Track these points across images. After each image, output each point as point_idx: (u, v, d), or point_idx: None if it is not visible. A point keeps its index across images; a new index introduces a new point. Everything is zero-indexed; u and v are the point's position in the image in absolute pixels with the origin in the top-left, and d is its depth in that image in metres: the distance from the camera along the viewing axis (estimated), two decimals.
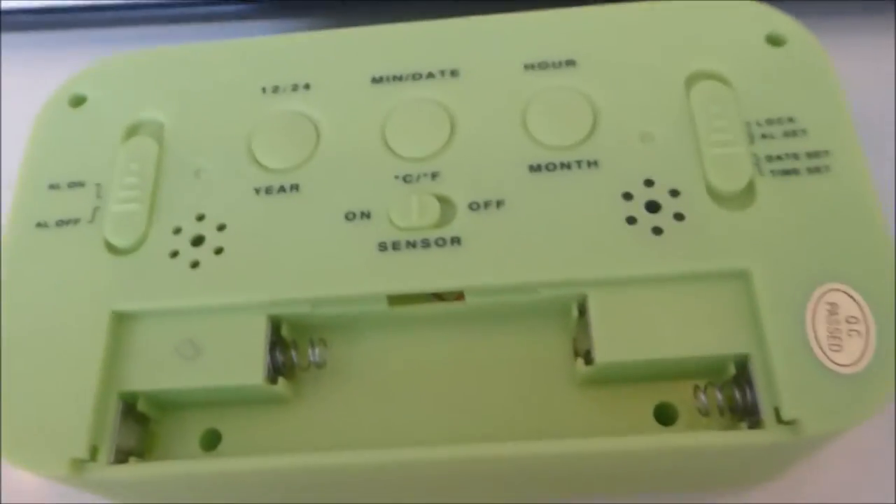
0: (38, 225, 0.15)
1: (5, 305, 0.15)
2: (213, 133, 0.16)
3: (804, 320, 0.13)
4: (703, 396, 0.14)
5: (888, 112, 0.20)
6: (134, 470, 0.14)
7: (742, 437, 0.13)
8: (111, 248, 0.15)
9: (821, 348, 0.13)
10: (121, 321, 0.15)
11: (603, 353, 0.14)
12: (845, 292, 0.13)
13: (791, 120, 0.15)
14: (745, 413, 0.14)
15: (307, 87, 0.16)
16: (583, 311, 0.14)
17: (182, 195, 0.16)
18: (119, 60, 0.17)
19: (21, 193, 0.16)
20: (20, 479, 0.18)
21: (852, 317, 0.13)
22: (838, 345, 0.13)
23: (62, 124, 0.17)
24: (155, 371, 0.14)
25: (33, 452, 0.14)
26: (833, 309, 0.13)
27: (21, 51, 0.24)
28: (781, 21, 0.16)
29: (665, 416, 0.14)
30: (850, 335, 0.13)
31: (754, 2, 0.16)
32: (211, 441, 0.15)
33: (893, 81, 0.22)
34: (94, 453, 0.14)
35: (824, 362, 0.13)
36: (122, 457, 0.14)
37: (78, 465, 0.13)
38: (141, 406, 0.15)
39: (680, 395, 0.14)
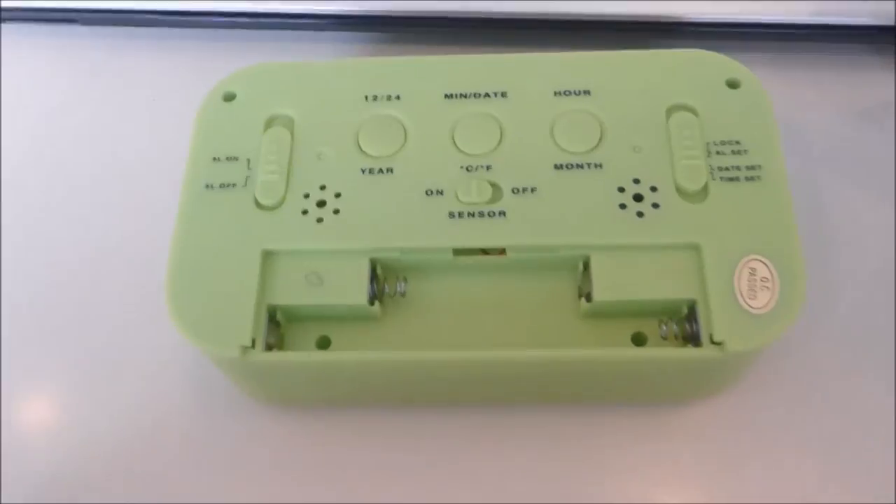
0: (207, 186, 0.22)
1: (190, 245, 0.21)
2: (330, 127, 0.22)
3: (733, 278, 0.20)
4: (664, 327, 0.21)
5: (794, 133, 0.27)
6: (278, 356, 0.20)
7: (687, 352, 0.20)
8: (259, 206, 0.21)
9: (742, 297, 0.20)
10: (268, 257, 0.21)
11: (599, 295, 0.20)
12: (762, 261, 0.20)
13: (738, 143, 0.22)
14: (691, 339, 0.20)
15: (398, 98, 0.23)
16: (587, 266, 0.21)
17: (309, 171, 0.22)
18: (259, 69, 0.23)
19: (192, 163, 0.22)
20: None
21: (765, 278, 0.20)
22: (754, 295, 0.20)
23: (218, 114, 0.23)
24: (292, 292, 0.21)
25: (217, 340, 0.20)
26: (753, 272, 0.20)
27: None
28: (738, 70, 0.23)
29: (638, 340, 0.21)
30: (762, 289, 0.20)
31: (719, 54, 0.23)
32: (323, 344, 0.21)
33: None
34: (253, 343, 0.20)
35: (744, 306, 0.20)
36: (269, 348, 0.21)
37: (245, 350, 0.20)
38: (278, 316, 0.21)
39: (649, 327, 0.21)
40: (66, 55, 0.31)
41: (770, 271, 0.20)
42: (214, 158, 0.22)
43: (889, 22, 0.27)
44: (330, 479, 0.23)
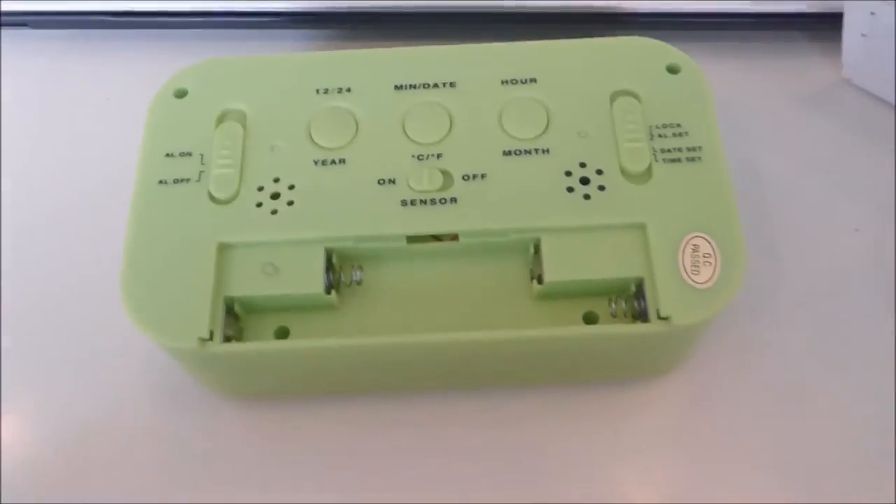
0: (160, 182, 0.22)
1: (144, 241, 0.21)
2: (282, 120, 0.23)
3: (677, 256, 0.21)
4: (613, 305, 0.21)
5: (737, 117, 0.28)
6: (236, 347, 0.20)
7: (636, 328, 0.20)
8: (214, 200, 0.22)
9: (686, 273, 0.20)
10: (224, 249, 0.21)
11: (550, 276, 0.21)
12: (704, 238, 0.21)
13: (678, 125, 0.22)
14: (639, 316, 0.21)
15: (349, 90, 0.23)
16: (537, 249, 0.21)
17: (262, 164, 0.22)
18: (210, 64, 0.24)
19: (144, 160, 0.22)
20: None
21: (707, 254, 0.21)
22: (697, 270, 0.20)
23: (170, 110, 0.23)
24: (248, 283, 0.21)
25: (175, 334, 0.20)
26: (696, 249, 0.21)
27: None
28: (677, 56, 0.23)
29: (590, 319, 0.21)
30: (705, 265, 0.21)
31: (660, 41, 0.24)
32: (282, 334, 0.22)
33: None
34: (211, 336, 0.20)
35: (688, 281, 0.20)
36: (227, 340, 0.21)
37: (202, 342, 0.20)
38: (236, 308, 0.21)
39: (600, 307, 0.21)
40: (18, 60, 0.31)
41: (712, 247, 0.21)
42: (167, 154, 0.22)
43: (825, 10, 0.28)
44: (293, 471, 0.23)
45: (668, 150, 0.22)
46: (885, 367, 0.24)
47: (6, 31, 0.31)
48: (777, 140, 0.28)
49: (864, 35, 0.26)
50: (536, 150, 0.22)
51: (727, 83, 0.27)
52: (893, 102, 0.28)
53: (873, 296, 0.25)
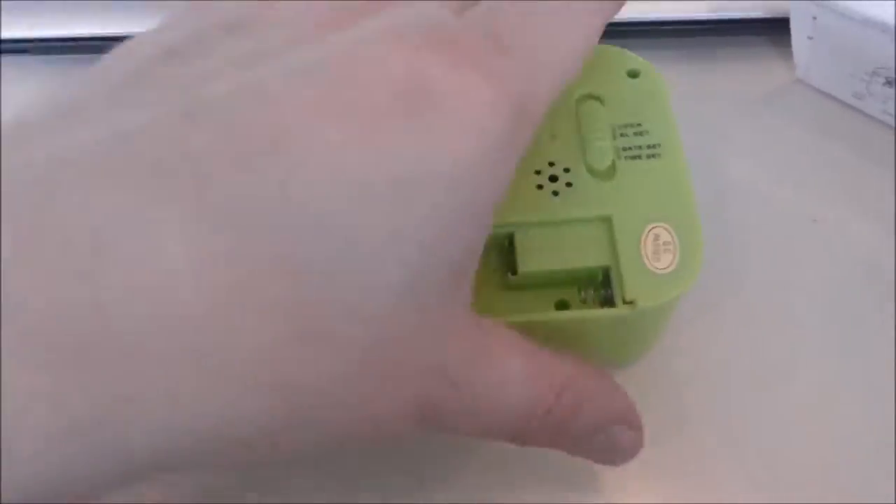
0: None
1: None
2: None
3: (639, 244, 0.22)
4: (583, 293, 0.23)
5: (700, 117, 0.30)
6: None
7: (603, 312, 0.22)
8: None
9: (648, 259, 0.22)
10: None
11: (523, 267, 0.22)
12: (664, 228, 0.23)
13: (639, 125, 0.24)
14: (607, 302, 0.23)
15: None
16: (511, 242, 0.23)
17: None
18: None
19: None
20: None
21: (667, 242, 0.22)
22: (658, 257, 0.22)
23: None
24: None
25: None
26: (657, 238, 0.22)
27: None
28: (637, 61, 0.25)
29: (562, 307, 0.23)
30: (665, 252, 0.22)
31: (619, 48, 0.26)
32: None
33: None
34: None
35: (649, 267, 0.22)
36: None
37: None
38: None
39: (571, 296, 0.23)
40: (18, 87, 0.32)
41: (671, 236, 0.22)
42: None
43: (779, 14, 0.30)
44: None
45: (630, 149, 0.24)
46: (847, 354, 0.26)
47: (6, 58, 0.32)
48: (736, 138, 0.30)
49: (809, 38, 0.28)
50: None
51: (689, 86, 0.29)
52: (842, 99, 0.30)
53: (831, 283, 0.27)
